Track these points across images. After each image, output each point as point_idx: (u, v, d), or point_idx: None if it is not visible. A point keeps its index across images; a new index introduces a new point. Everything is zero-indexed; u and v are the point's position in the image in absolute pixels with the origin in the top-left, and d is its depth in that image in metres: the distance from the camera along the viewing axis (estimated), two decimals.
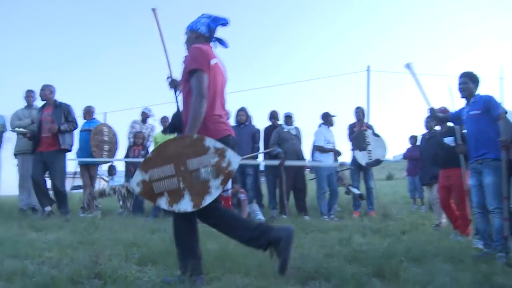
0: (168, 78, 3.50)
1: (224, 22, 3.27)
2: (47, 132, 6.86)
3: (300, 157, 7.94)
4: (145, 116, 8.73)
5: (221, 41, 3.32)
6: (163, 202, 2.87)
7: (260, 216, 6.90)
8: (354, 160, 8.21)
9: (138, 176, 2.88)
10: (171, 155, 2.84)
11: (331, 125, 8.19)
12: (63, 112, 7.04)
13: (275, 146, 7.88)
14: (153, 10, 3.52)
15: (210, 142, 2.82)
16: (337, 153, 8.10)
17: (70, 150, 7.18)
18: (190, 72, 3.00)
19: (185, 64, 3.09)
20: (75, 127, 7.19)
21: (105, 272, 3.17)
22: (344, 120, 8.40)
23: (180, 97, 3.32)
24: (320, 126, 8.18)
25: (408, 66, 5.03)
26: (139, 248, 4.23)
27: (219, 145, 2.82)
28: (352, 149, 8.25)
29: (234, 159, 2.83)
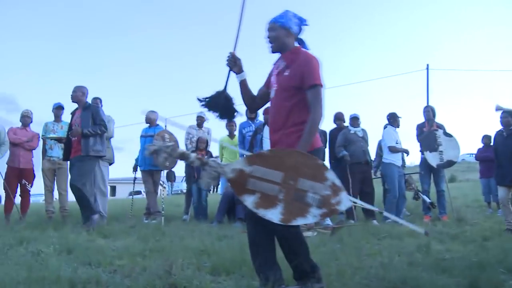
0: (229, 54, 3.19)
1: (305, 23, 3.12)
2: (74, 135, 6.41)
3: (368, 159, 7.65)
4: (201, 121, 8.61)
5: (303, 43, 3.13)
6: (249, 200, 2.70)
7: (328, 221, 6.62)
8: (424, 162, 7.78)
9: (238, 164, 2.77)
10: (286, 165, 2.70)
11: (398, 126, 7.84)
12: (92, 113, 6.43)
13: (341, 148, 7.61)
14: None
15: (331, 175, 2.68)
16: (406, 153, 7.77)
17: (99, 157, 6.58)
18: (312, 85, 2.87)
19: (300, 74, 2.91)
20: (104, 131, 6.44)
21: (180, 282, 3.04)
22: (403, 120, 8.06)
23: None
24: (386, 126, 7.84)
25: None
26: (209, 257, 4.08)
27: (339, 182, 2.68)
28: (421, 150, 7.83)
29: (345, 202, 2.69)
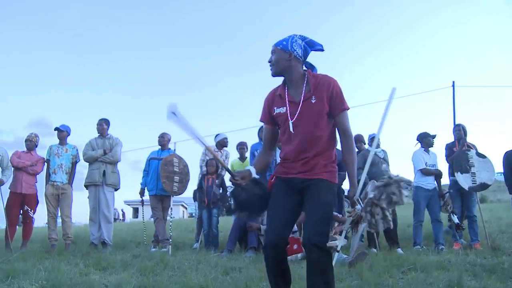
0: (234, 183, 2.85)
1: (320, 48, 2.95)
2: None
3: None
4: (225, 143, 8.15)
5: (313, 68, 2.98)
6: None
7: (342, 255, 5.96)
8: (454, 184, 7.15)
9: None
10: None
11: (430, 146, 7.29)
12: None
13: (359, 171, 7.06)
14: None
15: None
16: (438, 175, 7.17)
17: None
18: (345, 109, 2.83)
19: (328, 98, 2.79)
20: None
21: None
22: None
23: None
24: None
25: None
26: None
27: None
28: (450, 172, 7.22)
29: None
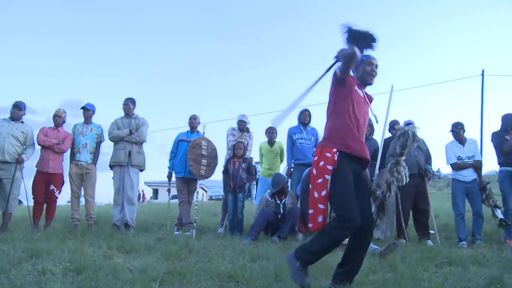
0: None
1: None
2: None
3: (421, 171, 6.75)
4: (243, 126, 7.89)
5: None
6: None
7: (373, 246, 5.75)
8: (507, 175, 6.70)
9: None
10: None
11: (461, 137, 6.91)
12: None
13: (391, 158, 6.76)
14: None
15: None
16: (477, 167, 6.79)
17: None
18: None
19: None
20: None
21: None
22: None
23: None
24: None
25: None
26: (238, 285, 3.46)
27: None
28: (499, 161, 6.82)
29: None
